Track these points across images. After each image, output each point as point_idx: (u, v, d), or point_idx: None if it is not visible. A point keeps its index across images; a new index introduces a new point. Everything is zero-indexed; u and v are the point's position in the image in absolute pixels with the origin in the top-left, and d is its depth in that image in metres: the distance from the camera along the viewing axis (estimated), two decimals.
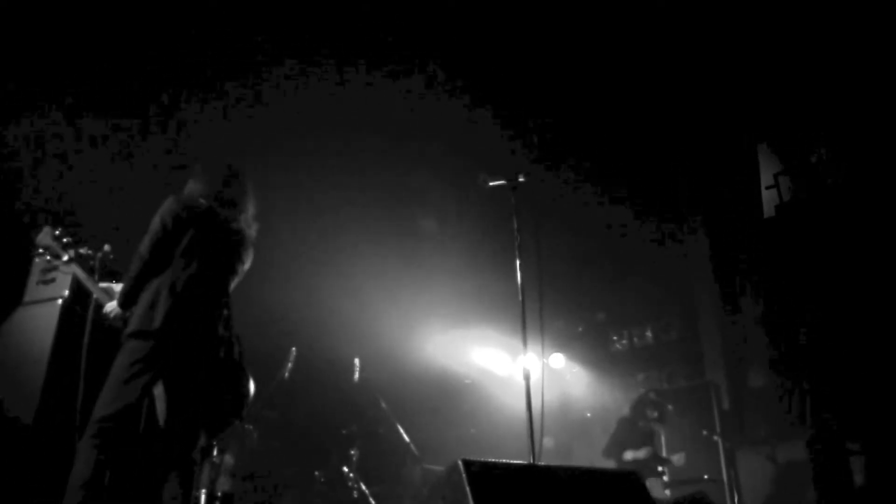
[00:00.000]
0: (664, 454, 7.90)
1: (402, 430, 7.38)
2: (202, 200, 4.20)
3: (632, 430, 7.68)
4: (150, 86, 7.00)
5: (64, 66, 6.47)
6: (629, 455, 7.41)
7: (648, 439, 7.56)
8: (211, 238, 4.13)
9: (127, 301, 3.99)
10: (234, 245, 4.28)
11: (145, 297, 3.90)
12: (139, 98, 7.00)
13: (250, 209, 4.43)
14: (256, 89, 7.56)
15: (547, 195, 8.84)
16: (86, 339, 4.56)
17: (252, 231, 4.43)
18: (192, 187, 4.30)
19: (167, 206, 4.06)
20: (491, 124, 8.64)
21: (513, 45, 7.92)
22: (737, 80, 7.89)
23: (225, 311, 4.14)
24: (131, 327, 3.87)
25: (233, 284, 4.33)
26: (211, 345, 4.02)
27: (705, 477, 7.51)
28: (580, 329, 11.63)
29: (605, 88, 8.60)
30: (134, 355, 3.80)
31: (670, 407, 7.82)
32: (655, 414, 7.55)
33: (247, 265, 4.42)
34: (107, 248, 5.06)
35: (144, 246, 3.97)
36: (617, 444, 7.60)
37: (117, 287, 4.19)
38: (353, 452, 7.01)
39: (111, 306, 4.09)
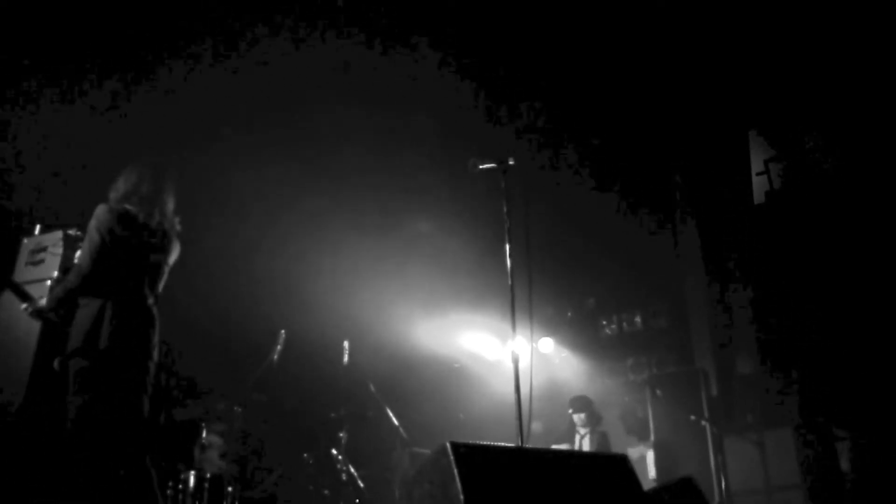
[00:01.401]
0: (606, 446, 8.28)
1: (391, 414, 7.39)
2: (127, 206, 4.15)
3: (563, 425, 8.70)
4: (127, 49, 6.93)
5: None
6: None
7: (571, 435, 8.42)
8: (139, 243, 4.11)
9: (58, 307, 3.99)
10: (158, 246, 4.25)
11: (87, 313, 3.89)
12: (123, 63, 6.93)
13: (169, 204, 4.36)
14: (243, 61, 7.49)
15: (538, 180, 8.84)
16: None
17: (173, 225, 4.38)
18: (114, 193, 4.25)
19: (102, 217, 4.01)
20: (482, 106, 8.62)
21: (506, 29, 7.89)
22: (729, 66, 7.87)
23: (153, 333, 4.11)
24: (74, 343, 3.86)
25: (161, 285, 4.30)
26: (145, 361, 4.00)
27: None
28: (569, 314, 11.65)
29: (598, 76, 8.58)
30: (79, 371, 3.81)
31: (593, 403, 8.53)
32: (570, 410, 8.40)
33: (171, 260, 4.38)
34: None
35: (84, 259, 3.93)
36: (557, 439, 8.57)
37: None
38: (341, 435, 7.03)
39: (36, 303, 4.07)
